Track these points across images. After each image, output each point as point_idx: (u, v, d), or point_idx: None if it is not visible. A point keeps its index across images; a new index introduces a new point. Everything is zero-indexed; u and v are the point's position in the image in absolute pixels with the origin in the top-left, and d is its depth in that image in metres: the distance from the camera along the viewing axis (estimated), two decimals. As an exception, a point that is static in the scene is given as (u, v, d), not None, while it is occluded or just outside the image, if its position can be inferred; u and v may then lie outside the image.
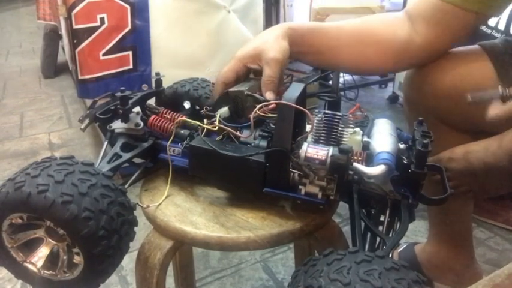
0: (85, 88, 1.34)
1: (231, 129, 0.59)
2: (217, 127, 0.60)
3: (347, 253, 0.41)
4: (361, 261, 0.39)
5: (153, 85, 0.75)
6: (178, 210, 0.60)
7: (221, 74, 0.66)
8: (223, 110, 0.63)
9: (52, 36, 2.72)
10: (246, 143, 0.59)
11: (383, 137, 0.57)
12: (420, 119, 0.56)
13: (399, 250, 1.08)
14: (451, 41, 0.72)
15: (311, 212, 0.58)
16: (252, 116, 0.57)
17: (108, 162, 0.59)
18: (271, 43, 0.66)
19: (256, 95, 0.62)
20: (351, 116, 0.55)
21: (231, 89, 0.63)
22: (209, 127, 0.60)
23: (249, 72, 0.68)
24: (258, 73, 0.66)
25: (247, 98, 0.62)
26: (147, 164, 0.67)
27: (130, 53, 1.36)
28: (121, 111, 0.63)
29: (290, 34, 0.68)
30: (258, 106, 0.58)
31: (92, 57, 1.31)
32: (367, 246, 0.53)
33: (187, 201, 0.62)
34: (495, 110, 0.56)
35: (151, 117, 0.66)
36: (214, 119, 0.61)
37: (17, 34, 4.53)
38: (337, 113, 0.54)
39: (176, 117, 0.66)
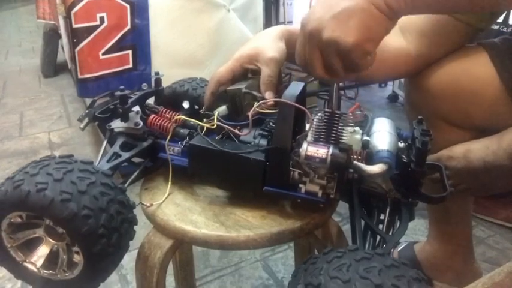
0: (85, 87, 1.34)
1: (229, 128, 0.59)
2: (215, 125, 0.60)
3: (347, 251, 0.41)
4: (360, 258, 0.39)
5: (153, 84, 0.75)
6: (178, 209, 0.60)
7: (217, 73, 0.66)
8: (222, 109, 0.63)
9: (52, 36, 2.72)
10: (245, 142, 0.59)
11: (383, 135, 0.57)
12: (420, 117, 0.56)
13: (399, 249, 1.08)
14: (443, 50, 0.72)
15: (311, 211, 0.58)
16: (250, 113, 0.57)
17: (108, 161, 0.59)
18: (269, 43, 0.66)
19: (254, 93, 0.62)
20: (350, 114, 0.55)
21: (229, 88, 0.63)
22: (208, 125, 0.60)
23: (246, 73, 0.67)
24: (256, 73, 0.66)
25: (245, 95, 0.62)
26: (147, 163, 0.67)
27: (130, 52, 1.36)
28: (120, 111, 0.63)
29: (287, 36, 0.69)
30: (257, 104, 0.58)
31: (92, 57, 1.31)
32: (367, 245, 0.53)
33: (187, 200, 0.62)
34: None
35: (151, 117, 0.66)
36: (212, 117, 0.61)
37: (16, 33, 4.53)
38: (337, 112, 0.54)
39: (175, 116, 0.66)
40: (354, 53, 0.47)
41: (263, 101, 0.59)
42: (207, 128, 0.60)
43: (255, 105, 0.58)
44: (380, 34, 0.48)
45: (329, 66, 0.50)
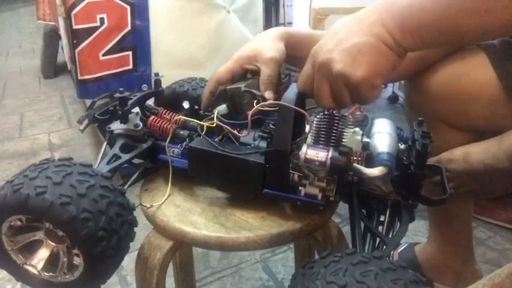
0: (85, 88, 1.34)
1: (229, 128, 0.59)
2: (215, 124, 0.60)
3: (344, 255, 0.41)
4: (357, 262, 0.39)
5: (152, 85, 0.75)
6: (178, 210, 0.60)
7: (216, 73, 0.66)
8: (221, 108, 0.63)
9: (52, 37, 2.72)
10: (245, 144, 0.59)
11: (383, 137, 0.57)
12: (420, 119, 0.56)
13: (399, 250, 1.08)
14: (442, 52, 0.72)
15: (311, 212, 0.58)
16: (250, 114, 0.57)
17: (108, 163, 0.59)
18: (268, 44, 0.66)
19: (254, 91, 0.62)
20: (350, 116, 0.55)
21: (229, 87, 0.63)
22: (208, 124, 0.60)
23: (245, 74, 0.68)
24: (255, 74, 0.66)
25: (245, 94, 0.62)
26: (147, 165, 0.67)
27: (130, 53, 1.36)
28: (120, 112, 0.63)
29: (286, 37, 0.69)
30: (258, 105, 0.58)
31: (92, 58, 1.31)
32: (367, 247, 0.53)
33: (187, 201, 0.62)
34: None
35: (150, 118, 0.66)
36: (212, 116, 0.61)
37: (17, 34, 4.53)
38: (337, 114, 0.54)
39: (175, 117, 0.66)
40: (362, 87, 0.48)
41: (264, 103, 0.59)
42: (207, 128, 0.60)
43: (254, 105, 0.58)
44: (388, 70, 0.49)
45: (337, 97, 0.52)
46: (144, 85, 0.72)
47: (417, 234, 1.24)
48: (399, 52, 0.48)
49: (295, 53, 0.70)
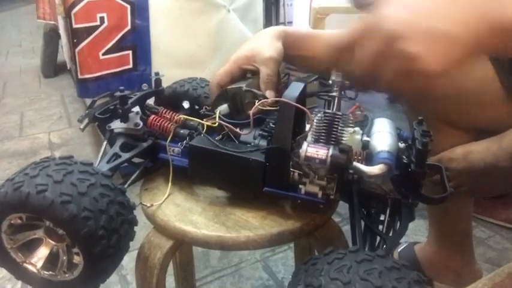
0: (85, 87, 1.34)
1: (230, 126, 0.59)
2: (217, 123, 0.60)
3: (348, 252, 0.41)
4: (361, 260, 0.39)
5: (153, 85, 0.75)
6: (178, 210, 0.60)
7: (216, 76, 0.67)
8: (223, 107, 0.63)
9: (52, 36, 2.72)
10: (245, 143, 0.59)
11: (383, 136, 0.57)
12: (420, 118, 0.56)
13: (399, 249, 1.08)
14: None
15: (311, 212, 0.58)
16: (251, 112, 0.57)
17: (108, 162, 0.59)
18: (266, 44, 0.66)
19: (255, 90, 0.62)
20: (350, 115, 0.55)
21: (230, 87, 0.63)
22: (209, 123, 0.60)
23: (244, 74, 0.68)
24: (255, 74, 0.66)
25: (246, 94, 0.62)
26: (147, 164, 0.67)
27: (130, 52, 1.36)
28: (120, 111, 0.63)
29: (284, 36, 0.69)
30: (259, 102, 0.58)
31: (92, 57, 1.31)
32: (367, 246, 0.53)
33: (187, 200, 0.62)
34: None
35: (151, 117, 0.66)
36: (213, 116, 0.61)
37: (17, 34, 4.53)
38: (337, 113, 0.54)
39: (175, 116, 0.66)
40: (424, 81, 0.41)
41: (264, 100, 0.59)
42: (207, 127, 0.60)
43: (256, 103, 0.58)
44: (457, 70, 0.41)
45: (377, 73, 0.43)
46: (144, 84, 0.72)
47: (417, 233, 1.24)
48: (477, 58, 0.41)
49: (292, 52, 0.70)
